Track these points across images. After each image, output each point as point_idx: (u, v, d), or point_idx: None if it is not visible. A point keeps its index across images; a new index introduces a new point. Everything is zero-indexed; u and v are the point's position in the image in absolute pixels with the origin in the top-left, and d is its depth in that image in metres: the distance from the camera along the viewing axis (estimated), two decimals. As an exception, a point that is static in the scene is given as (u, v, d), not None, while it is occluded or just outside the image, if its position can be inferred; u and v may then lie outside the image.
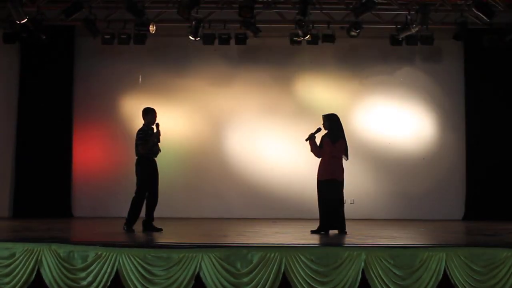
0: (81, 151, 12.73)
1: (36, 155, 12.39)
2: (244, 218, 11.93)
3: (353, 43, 12.47)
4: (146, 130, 8.84)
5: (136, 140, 8.78)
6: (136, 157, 8.83)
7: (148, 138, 8.74)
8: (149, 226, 8.75)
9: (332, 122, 8.71)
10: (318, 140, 8.77)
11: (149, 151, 8.77)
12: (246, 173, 12.63)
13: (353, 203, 11.95)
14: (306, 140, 8.75)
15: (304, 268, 6.52)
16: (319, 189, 8.70)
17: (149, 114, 8.93)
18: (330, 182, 8.56)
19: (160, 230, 8.70)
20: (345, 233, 8.51)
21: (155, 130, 8.86)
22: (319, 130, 8.75)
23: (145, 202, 8.81)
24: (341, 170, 8.65)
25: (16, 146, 12.56)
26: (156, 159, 8.97)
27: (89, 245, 6.76)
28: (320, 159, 8.74)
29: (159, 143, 8.91)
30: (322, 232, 8.55)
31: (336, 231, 8.58)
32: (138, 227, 8.74)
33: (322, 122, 8.74)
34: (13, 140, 12.57)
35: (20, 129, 12.59)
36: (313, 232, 8.61)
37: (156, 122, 8.90)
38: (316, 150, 8.73)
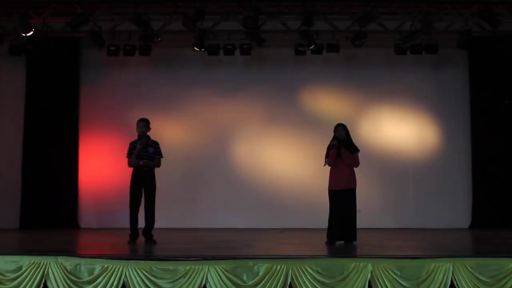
0: (87, 162, 12.75)
1: (43, 166, 12.41)
2: (250, 228, 11.91)
3: (358, 53, 12.46)
4: (135, 141, 8.89)
5: None
6: None
7: (133, 151, 8.80)
8: (145, 234, 8.74)
9: (347, 132, 8.78)
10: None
11: (133, 163, 8.79)
12: (252, 183, 12.62)
13: (360, 212, 11.88)
14: (330, 148, 8.73)
15: (311, 279, 6.52)
16: (335, 199, 8.68)
17: (137, 125, 8.98)
18: (347, 192, 8.60)
19: (153, 242, 8.67)
20: (353, 243, 8.51)
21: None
22: (337, 139, 8.76)
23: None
24: (355, 178, 8.72)
25: (23, 157, 12.58)
26: (153, 170, 8.93)
27: (96, 258, 6.78)
28: (330, 168, 8.78)
29: (160, 157, 8.92)
30: (331, 243, 8.53)
31: (342, 242, 8.58)
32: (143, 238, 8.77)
33: (335, 130, 8.82)
34: (20, 152, 12.58)
35: (27, 141, 12.61)
36: (327, 244, 8.59)
37: (141, 134, 8.87)
38: (333, 159, 8.73)
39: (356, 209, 8.76)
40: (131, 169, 8.96)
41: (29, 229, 11.89)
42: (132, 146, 8.87)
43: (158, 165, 9.00)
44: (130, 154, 8.84)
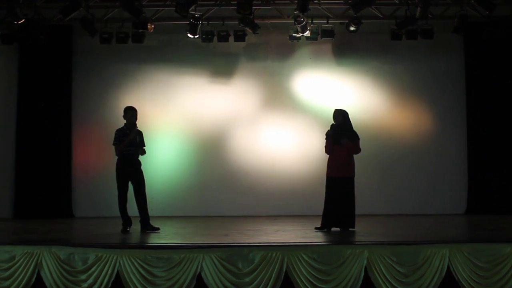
0: (81, 150, 12.68)
1: (36, 155, 12.34)
2: (245, 215, 11.87)
3: (353, 38, 12.38)
4: (124, 130, 8.78)
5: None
6: None
7: (122, 139, 8.69)
8: (145, 225, 8.70)
9: (346, 118, 8.70)
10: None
11: (125, 151, 8.69)
12: (247, 170, 12.56)
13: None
14: (326, 138, 8.70)
15: (306, 266, 6.49)
16: (331, 186, 8.63)
17: (127, 113, 8.83)
18: (344, 180, 8.54)
19: (157, 229, 8.64)
20: (349, 230, 8.48)
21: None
22: (333, 127, 8.70)
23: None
24: (354, 167, 8.65)
25: (16, 147, 12.50)
26: (139, 158, 8.85)
27: (89, 247, 6.73)
28: (328, 155, 8.73)
29: (143, 147, 8.85)
30: (325, 229, 8.53)
31: (338, 228, 8.56)
32: (137, 227, 8.72)
33: (333, 117, 8.77)
34: (13, 141, 12.51)
35: (20, 130, 12.52)
36: (317, 229, 8.58)
37: (134, 123, 8.77)
38: (328, 149, 8.69)
39: (354, 197, 8.69)
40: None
41: (23, 218, 11.83)
42: (122, 133, 8.76)
43: (143, 153, 8.93)
44: (118, 142, 8.72)
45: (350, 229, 8.53)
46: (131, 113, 8.81)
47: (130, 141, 8.67)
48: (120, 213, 8.70)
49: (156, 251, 6.62)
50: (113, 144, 8.77)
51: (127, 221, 8.69)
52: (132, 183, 8.76)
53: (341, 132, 8.65)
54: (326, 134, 8.74)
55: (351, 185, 8.64)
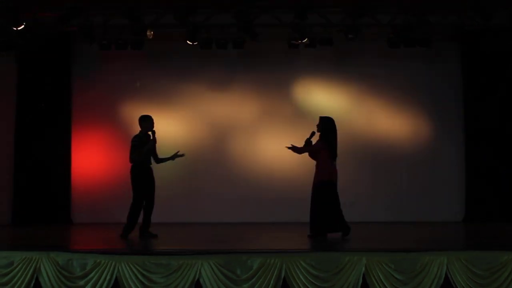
0: (80, 157, 12.67)
1: (35, 161, 12.33)
2: (244, 222, 11.88)
3: (351, 46, 12.42)
4: (141, 137, 8.82)
5: (131, 147, 8.78)
6: (130, 164, 8.83)
7: (142, 146, 8.72)
8: (145, 232, 8.72)
9: (323, 125, 8.89)
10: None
11: (143, 158, 8.72)
12: (245, 177, 12.57)
13: (354, 204, 11.85)
14: (304, 146, 8.87)
15: (305, 273, 6.50)
16: (317, 192, 8.70)
17: (146, 122, 8.91)
18: (317, 185, 8.61)
19: (155, 236, 8.66)
20: (346, 235, 8.49)
21: (151, 138, 8.84)
22: (313, 134, 8.87)
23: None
24: (322, 172, 8.72)
25: (15, 153, 12.49)
26: (151, 166, 8.93)
27: (88, 253, 6.74)
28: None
29: (155, 151, 8.92)
30: (320, 236, 8.53)
31: (333, 234, 8.57)
32: (135, 233, 8.72)
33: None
34: (12, 147, 12.50)
35: (19, 136, 12.51)
36: (310, 236, 8.59)
37: (153, 129, 8.87)
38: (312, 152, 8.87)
39: (325, 202, 8.66)
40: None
41: (21, 224, 11.82)
42: (140, 140, 8.80)
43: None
44: (138, 149, 8.74)
45: (345, 233, 8.54)
46: (150, 121, 8.91)
47: (150, 148, 8.77)
48: (130, 220, 8.68)
49: (154, 257, 6.62)
50: (133, 151, 8.77)
51: (131, 228, 8.69)
52: (148, 190, 8.82)
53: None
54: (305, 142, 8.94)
55: (321, 189, 8.67)
